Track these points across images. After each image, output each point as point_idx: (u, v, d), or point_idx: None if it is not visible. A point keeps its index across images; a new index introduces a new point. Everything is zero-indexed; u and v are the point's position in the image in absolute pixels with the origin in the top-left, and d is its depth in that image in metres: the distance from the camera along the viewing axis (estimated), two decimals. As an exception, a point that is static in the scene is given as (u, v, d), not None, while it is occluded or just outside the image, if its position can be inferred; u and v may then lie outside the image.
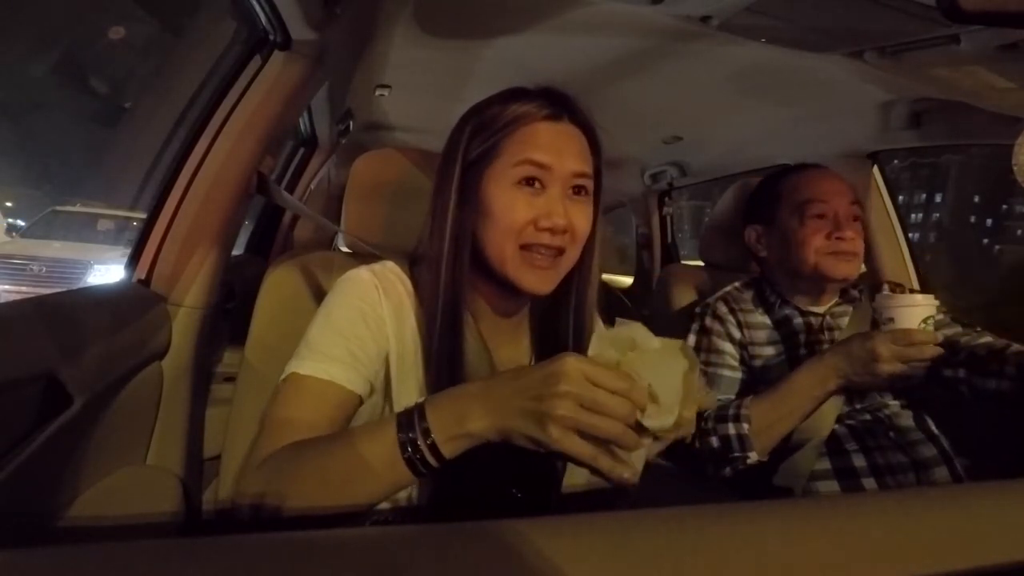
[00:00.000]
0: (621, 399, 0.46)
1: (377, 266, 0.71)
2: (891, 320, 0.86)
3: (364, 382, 0.64)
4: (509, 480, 0.69)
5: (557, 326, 0.73)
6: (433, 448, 0.49)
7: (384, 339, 0.66)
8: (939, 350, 0.85)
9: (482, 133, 0.67)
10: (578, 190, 0.67)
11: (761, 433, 0.94)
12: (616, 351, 0.50)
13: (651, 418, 0.47)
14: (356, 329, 0.65)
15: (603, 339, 0.51)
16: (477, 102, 0.72)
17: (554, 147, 0.65)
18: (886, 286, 1.15)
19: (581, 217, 0.67)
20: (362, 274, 0.69)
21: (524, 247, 0.65)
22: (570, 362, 0.47)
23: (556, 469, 0.72)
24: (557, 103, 0.68)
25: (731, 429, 0.94)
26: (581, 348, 0.75)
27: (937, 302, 0.87)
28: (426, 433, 0.50)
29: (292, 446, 0.56)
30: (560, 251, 0.66)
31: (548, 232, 0.64)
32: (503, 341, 0.74)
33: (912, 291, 1.23)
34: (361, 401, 0.65)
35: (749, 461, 0.93)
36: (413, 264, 0.73)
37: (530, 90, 0.71)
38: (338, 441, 0.55)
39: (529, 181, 0.65)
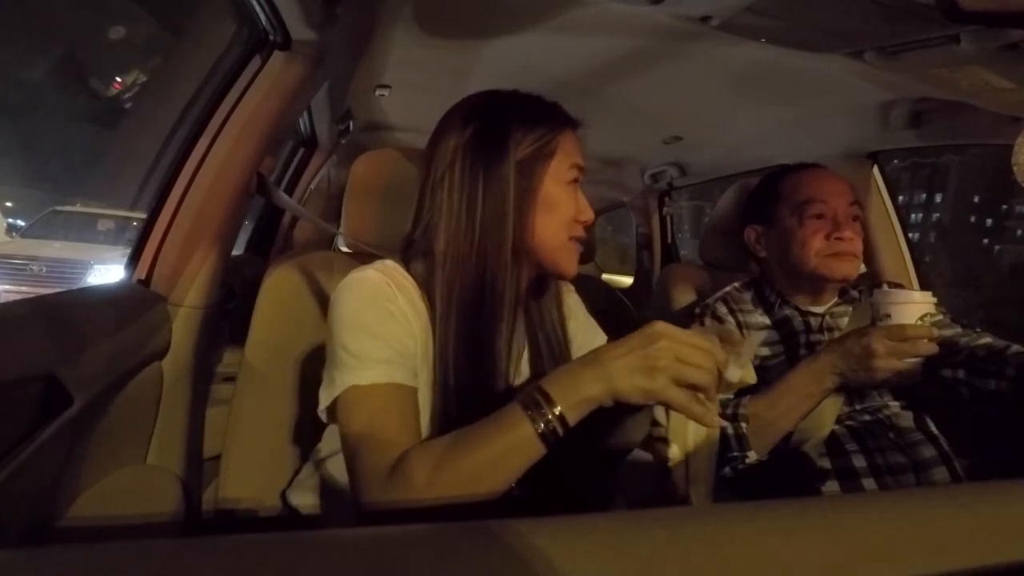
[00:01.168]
0: (706, 353, 0.55)
1: (379, 264, 0.72)
2: (888, 316, 0.86)
3: (414, 376, 0.67)
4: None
5: (541, 304, 0.80)
6: (560, 418, 0.55)
7: (411, 330, 0.68)
8: (934, 347, 0.84)
9: (534, 130, 0.71)
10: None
11: (759, 432, 0.93)
12: None
13: (728, 371, 0.57)
14: (390, 328, 0.66)
15: None
16: (490, 95, 0.75)
17: (582, 152, 0.75)
18: (885, 285, 1.15)
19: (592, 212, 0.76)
20: (370, 273, 0.69)
21: (571, 239, 0.73)
22: (661, 325, 0.55)
23: (557, 468, 0.73)
24: (568, 113, 0.76)
25: (729, 429, 0.94)
26: (563, 322, 0.83)
27: (935, 299, 0.87)
28: (552, 404, 0.55)
29: (424, 453, 0.58)
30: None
31: (583, 224, 0.74)
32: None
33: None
34: (416, 392, 0.67)
35: (748, 461, 0.93)
36: (407, 261, 0.73)
37: (533, 95, 0.76)
38: (469, 439, 0.58)
39: (574, 182, 0.73)
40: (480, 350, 0.68)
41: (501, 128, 0.70)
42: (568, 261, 0.74)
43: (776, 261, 1.11)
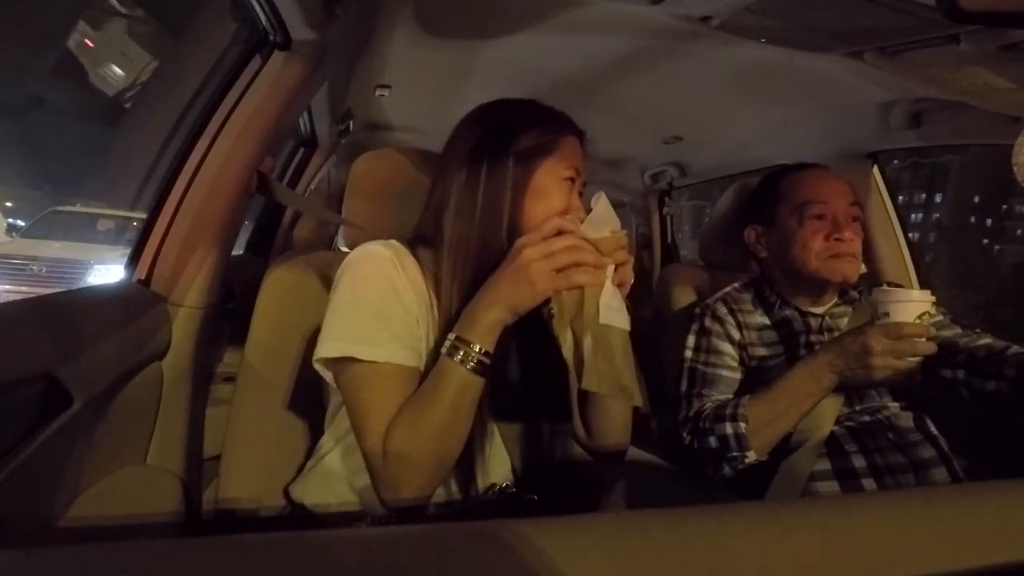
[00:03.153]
0: (564, 236, 0.64)
1: (386, 242, 0.76)
2: (887, 315, 0.85)
3: (415, 354, 0.71)
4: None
5: None
6: (479, 350, 0.65)
7: (413, 306, 0.72)
8: (932, 346, 0.84)
9: (535, 129, 0.76)
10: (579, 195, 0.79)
11: (759, 432, 0.93)
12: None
13: (588, 228, 0.66)
14: (393, 308, 0.71)
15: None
16: (500, 102, 0.81)
17: (581, 160, 0.79)
18: (885, 284, 1.15)
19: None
20: (378, 249, 0.74)
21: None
22: (520, 240, 0.65)
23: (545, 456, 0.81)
24: (574, 122, 0.80)
25: (728, 428, 0.94)
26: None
27: (933, 299, 0.87)
28: (470, 344, 0.65)
29: (397, 421, 0.66)
30: None
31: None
32: None
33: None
34: (419, 371, 0.71)
35: (747, 460, 0.93)
36: (414, 247, 0.78)
37: (549, 106, 0.81)
38: (425, 400, 0.66)
39: (570, 180, 0.76)
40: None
41: (504, 125, 0.77)
42: None
43: (776, 261, 1.11)
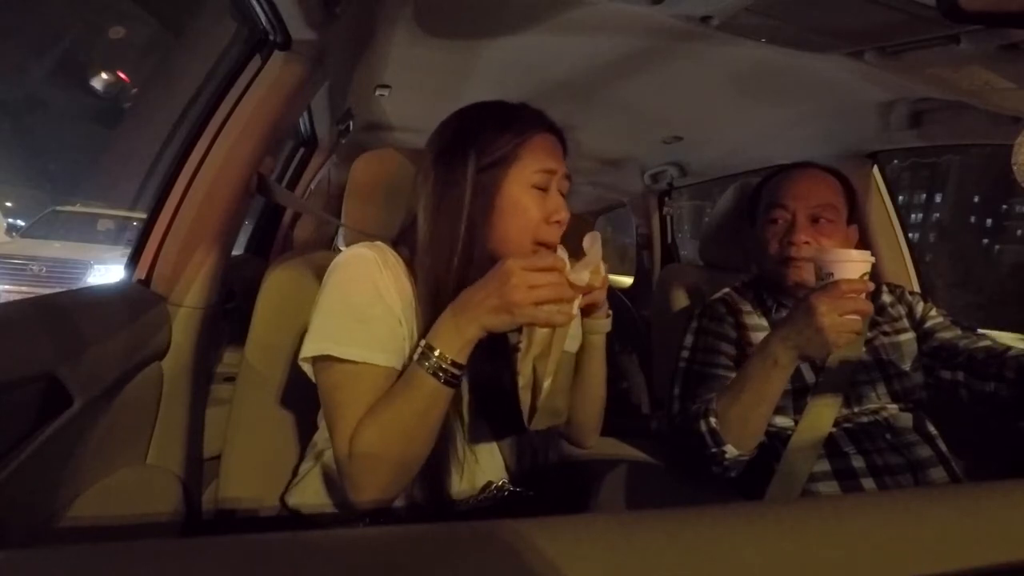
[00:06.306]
0: (551, 272, 0.64)
1: (371, 244, 0.77)
2: (830, 275, 0.84)
3: (396, 355, 0.72)
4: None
5: None
6: (452, 363, 0.65)
7: (396, 306, 0.73)
8: (870, 304, 0.83)
9: (498, 138, 0.75)
10: (566, 189, 0.79)
11: (730, 425, 0.91)
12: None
13: (573, 273, 0.68)
14: (375, 311, 0.71)
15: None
16: (472, 106, 0.80)
17: (555, 156, 0.77)
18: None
19: (567, 212, 0.78)
20: (362, 251, 0.75)
21: (538, 243, 0.75)
22: (511, 263, 0.64)
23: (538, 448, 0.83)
24: (545, 117, 0.80)
25: (702, 425, 0.93)
26: None
27: (873, 259, 0.84)
28: (443, 357, 0.65)
29: (365, 422, 0.67)
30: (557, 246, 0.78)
31: (557, 225, 0.76)
32: None
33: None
34: (398, 371, 0.71)
35: (728, 455, 0.91)
36: (396, 245, 0.80)
37: (517, 104, 0.81)
38: (392, 402, 0.67)
39: (542, 186, 0.75)
40: None
41: (465, 138, 0.76)
42: None
43: (755, 264, 1.13)
